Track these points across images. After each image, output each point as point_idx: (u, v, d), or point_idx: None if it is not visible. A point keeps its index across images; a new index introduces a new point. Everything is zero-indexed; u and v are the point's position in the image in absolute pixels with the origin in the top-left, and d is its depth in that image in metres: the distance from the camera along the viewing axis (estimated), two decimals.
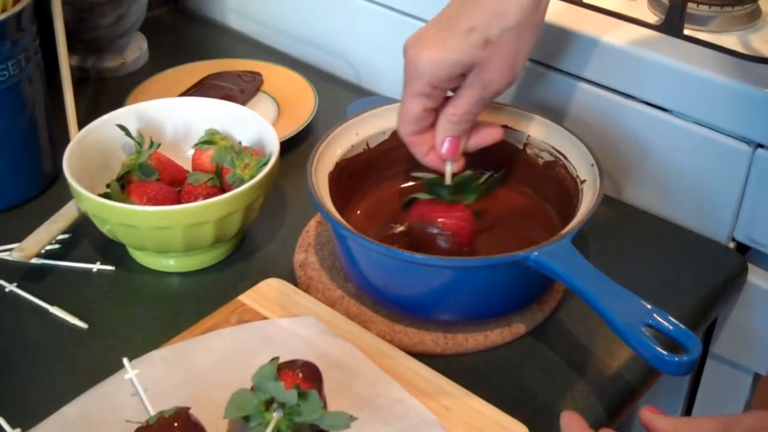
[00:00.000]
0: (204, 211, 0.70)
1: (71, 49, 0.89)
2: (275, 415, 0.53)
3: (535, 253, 0.63)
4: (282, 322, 0.67)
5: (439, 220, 0.70)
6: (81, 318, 0.71)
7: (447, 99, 0.68)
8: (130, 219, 0.70)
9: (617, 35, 0.79)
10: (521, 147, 0.77)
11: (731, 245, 0.80)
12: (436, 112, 0.68)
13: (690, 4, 0.79)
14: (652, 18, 0.82)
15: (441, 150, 0.69)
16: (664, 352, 0.58)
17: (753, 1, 0.82)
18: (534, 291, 0.70)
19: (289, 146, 0.87)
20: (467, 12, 0.64)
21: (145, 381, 0.62)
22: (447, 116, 0.68)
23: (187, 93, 0.93)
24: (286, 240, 0.78)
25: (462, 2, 0.65)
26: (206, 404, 0.58)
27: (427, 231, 0.70)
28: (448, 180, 0.70)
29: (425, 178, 0.72)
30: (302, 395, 0.54)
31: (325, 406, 0.56)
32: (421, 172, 0.72)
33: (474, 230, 0.71)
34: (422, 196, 0.72)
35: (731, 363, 0.84)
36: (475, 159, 0.76)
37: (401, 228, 0.75)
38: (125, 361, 0.63)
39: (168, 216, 0.69)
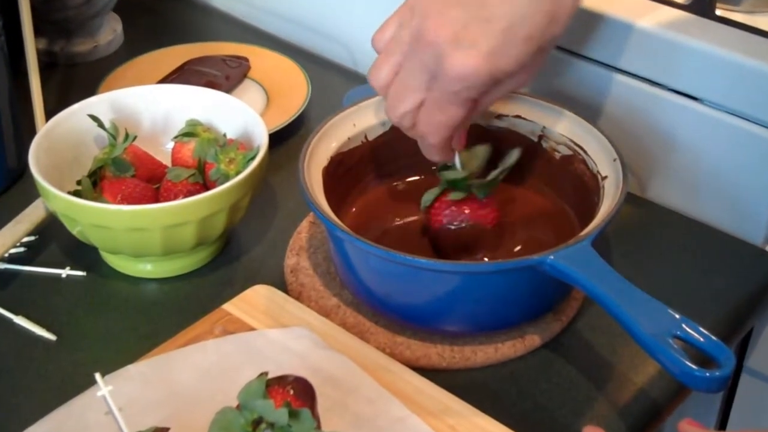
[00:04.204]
0: (185, 211, 0.70)
1: (38, 31, 0.89)
2: None
3: (552, 257, 0.63)
4: (271, 333, 0.67)
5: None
6: (49, 329, 0.71)
7: None
8: (102, 219, 0.70)
9: (642, 16, 0.79)
10: (536, 140, 0.77)
11: None
12: None
13: None
14: None
15: (455, 144, 0.70)
16: (694, 367, 0.58)
17: None
18: (550, 299, 0.70)
19: (279, 139, 0.87)
20: (521, 12, 0.62)
21: (120, 399, 0.62)
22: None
23: (166, 80, 0.93)
24: (276, 242, 0.78)
25: None
26: (187, 424, 0.58)
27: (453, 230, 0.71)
28: (460, 168, 0.71)
29: (446, 177, 0.72)
30: (293, 414, 0.54)
31: (318, 426, 0.56)
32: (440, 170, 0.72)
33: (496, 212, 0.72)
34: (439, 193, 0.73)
35: None
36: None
37: (403, 225, 0.75)
38: (98, 376, 0.63)
39: (145, 216, 0.69)
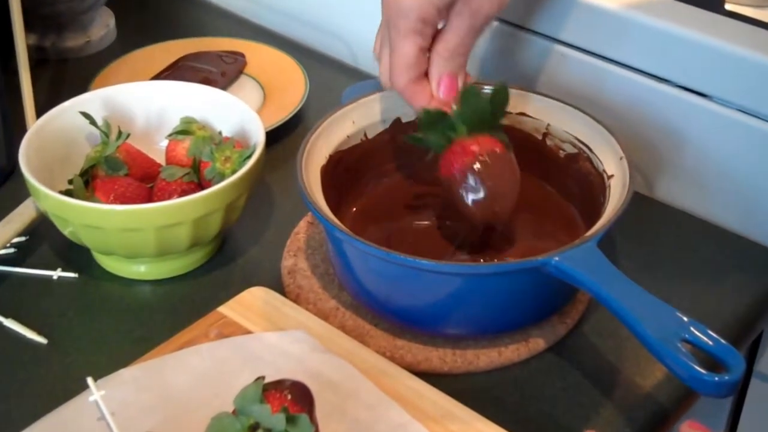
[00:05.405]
0: (179, 211, 0.70)
1: (28, 26, 0.89)
2: None
3: (556, 259, 0.63)
4: (268, 336, 0.67)
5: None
6: (40, 332, 0.71)
7: (436, 36, 0.70)
8: (95, 219, 0.70)
9: (649, 10, 0.79)
10: (540, 137, 0.77)
11: None
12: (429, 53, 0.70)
13: None
14: None
15: (439, 92, 0.70)
16: (703, 371, 0.58)
17: None
18: (555, 301, 0.70)
19: (276, 137, 0.87)
20: None
21: (113, 404, 0.62)
22: (438, 52, 0.69)
23: (159, 76, 0.93)
24: (273, 243, 0.78)
25: None
26: (182, 430, 0.58)
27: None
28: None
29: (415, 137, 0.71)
30: (291, 420, 0.54)
31: None
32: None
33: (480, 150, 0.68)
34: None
35: None
36: None
37: (404, 226, 0.75)
38: (90, 381, 0.63)
39: (138, 216, 0.69)
